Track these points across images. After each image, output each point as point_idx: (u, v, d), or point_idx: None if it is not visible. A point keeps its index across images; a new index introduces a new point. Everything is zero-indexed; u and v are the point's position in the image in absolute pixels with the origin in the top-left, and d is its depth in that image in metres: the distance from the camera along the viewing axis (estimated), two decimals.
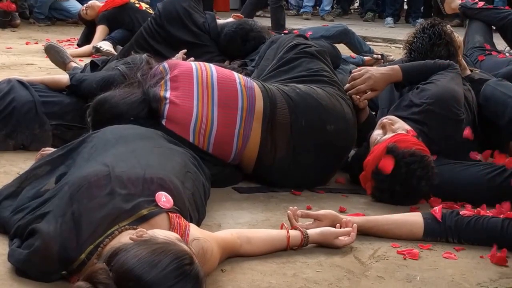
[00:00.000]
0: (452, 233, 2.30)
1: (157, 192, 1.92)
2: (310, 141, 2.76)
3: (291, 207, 2.29)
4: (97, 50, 5.50)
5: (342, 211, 2.56)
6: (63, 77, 3.40)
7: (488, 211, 2.43)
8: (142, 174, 1.97)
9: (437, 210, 2.33)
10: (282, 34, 4.16)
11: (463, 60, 3.39)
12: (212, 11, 7.29)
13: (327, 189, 2.82)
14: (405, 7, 9.90)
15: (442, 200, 2.64)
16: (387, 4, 9.48)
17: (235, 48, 4.10)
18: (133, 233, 1.73)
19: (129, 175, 1.95)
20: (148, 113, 2.66)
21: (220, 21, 4.34)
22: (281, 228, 2.22)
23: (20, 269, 1.86)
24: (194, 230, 1.91)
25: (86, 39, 6.00)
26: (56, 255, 1.80)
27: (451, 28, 3.31)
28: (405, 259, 2.17)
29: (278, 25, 6.47)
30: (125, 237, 1.75)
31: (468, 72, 3.35)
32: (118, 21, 5.81)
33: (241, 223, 2.40)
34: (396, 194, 2.64)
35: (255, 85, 2.79)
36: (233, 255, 2.06)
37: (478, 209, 2.46)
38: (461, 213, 2.33)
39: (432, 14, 8.18)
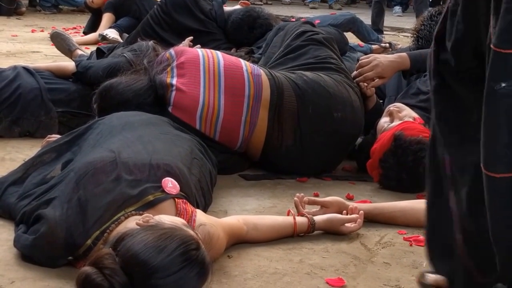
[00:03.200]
0: None
1: (163, 178, 1.92)
2: (317, 128, 2.75)
3: (297, 194, 2.28)
4: (103, 38, 5.49)
5: (349, 198, 2.55)
6: (69, 64, 3.40)
7: None
8: (148, 160, 1.96)
9: None
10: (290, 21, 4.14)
11: None
12: None
13: (334, 176, 2.82)
14: None
15: None
16: None
17: (242, 36, 4.09)
18: (139, 218, 1.73)
19: (135, 161, 1.94)
20: (154, 100, 2.66)
21: (227, 8, 4.32)
22: (288, 215, 2.21)
23: (26, 254, 1.86)
24: (200, 215, 1.90)
25: (92, 27, 6.00)
26: (62, 240, 1.80)
27: None
28: (411, 245, 2.16)
29: None
30: (131, 223, 1.75)
31: None
32: (124, 9, 5.80)
33: (247, 210, 2.39)
34: (403, 181, 2.63)
35: (262, 72, 2.78)
36: (240, 241, 2.06)
37: None
38: None
39: (441, 2, 8.15)
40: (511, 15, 1.25)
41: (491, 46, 1.28)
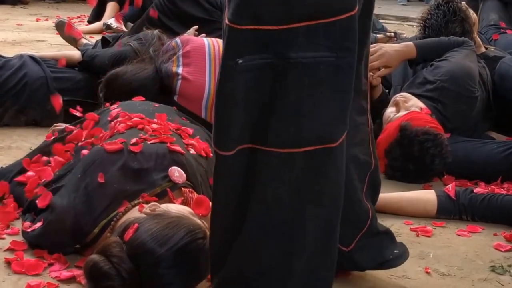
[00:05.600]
0: (466, 210, 2.28)
1: (170, 167, 1.92)
2: None
3: None
4: (108, 27, 5.48)
5: None
6: (74, 53, 3.39)
7: (502, 189, 2.41)
8: (155, 149, 1.96)
9: (451, 188, 2.32)
10: None
11: (478, 37, 3.36)
12: None
13: None
14: None
15: (456, 178, 2.63)
16: None
17: None
18: (146, 207, 1.73)
19: (142, 149, 1.94)
20: (160, 89, 2.66)
21: None
22: None
23: (34, 243, 1.87)
24: None
25: (96, 16, 5.98)
26: (70, 229, 1.80)
27: (466, 5, 3.27)
28: (418, 236, 2.16)
29: None
30: (138, 211, 1.75)
31: (483, 49, 3.31)
32: None
33: None
34: (409, 172, 2.62)
35: None
36: None
37: (492, 186, 2.44)
38: (475, 191, 2.32)
39: None
40: None
41: (227, 22, 1.25)
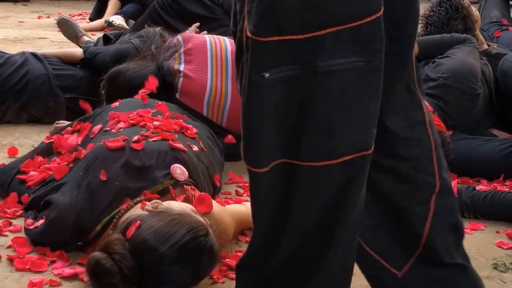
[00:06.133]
0: (468, 208, 2.28)
1: (172, 164, 1.92)
2: None
3: None
4: (109, 24, 5.48)
5: None
6: (76, 50, 3.40)
7: (504, 186, 2.41)
8: (157, 146, 1.96)
9: (453, 185, 2.31)
10: None
11: (480, 35, 3.35)
12: None
13: None
14: None
15: (458, 176, 2.62)
16: None
17: None
18: (148, 204, 1.73)
19: (144, 147, 1.94)
20: (162, 86, 2.66)
21: None
22: None
23: (36, 240, 1.87)
24: None
25: (98, 13, 5.98)
26: (72, 226, 1.80)
27: (468, 2, 3.26)
28: None
29: None
30: (140, 209, 1.75)
31: (485, 46, 3.31)
32: None
33: None
34: None
35: None
36: (248, 228, 2.06)
37: (494, 184, 2.44)
38: (477, 188, 2.32)
39: None
40: (266, 1, 1.18)
41: (249, 35, 1.19)
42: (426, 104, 1.42)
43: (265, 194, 1.26)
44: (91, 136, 2.13)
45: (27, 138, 2.85)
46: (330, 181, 1.24)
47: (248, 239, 2.01)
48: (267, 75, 1.19)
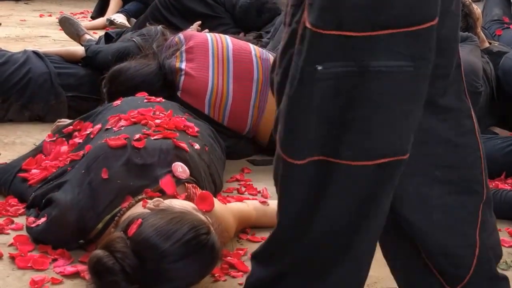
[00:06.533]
0: None
1: (173, 163, 1.92)
2: None
3: None
4: (111, 22, 5.48)
5: None
6: (78, 48, 3.40)
7: (505, 185, 2.41)
8: (158, 145, 1.97)
9: None
10: None
11: (481, 33, 3.35)
12: None
13: None
14: None
15: None
16: None
17: (250, 20, 4.07)
18: (150, 202, 1.73)
19: (145, 145, 1.95)
20: (163, 84, 2.66)
21: None
22: None
23: (38, 238, 1.87)
24: None
25: (100, 11, 5.98)
26: (74, 224, 1.81)
27: (470, 0, 3.26)
28: None
29: None
30: (142, 207, 1.75)
31: (487, 44, 3.31)
32: None
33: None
34: None
35: (271, 57, 2.77)
36: (249, 226, 2.07)
37: (496, 182, 2.44)
38: None
39: None
40: None
41: (308, 26, 1.21)
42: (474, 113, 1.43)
43: (296, 187, 1.27)
44: (91, 136, 2.13)
45: (29, 137, 2.86)
46: (363, 184, 1.25)
47: (249, 237, 2.01)
48: (320, 67, 1.20)
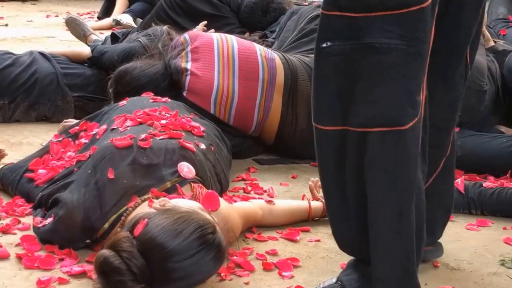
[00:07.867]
0: (475, 204, 2.28)
1: (179, 163, 1.93)
2: None
3: (312, 179, 2.28)
4: (117, 23, 5.49)
5: None
6: (84, 49, 3.41)
7: (511, 183, 2.41)
8: (164, 145, 1.98)
9: (460, 182, 2.32)
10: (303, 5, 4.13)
11: (486, 31, 3.34)
12: None
13: None
14: None
15: (465, 172, 2.62)
16: None
17: (255, 20, 4.08)
18: (156, 202, 1.74)
19: (151, 145, 1.95)
20: (169, 84, 2.67)
21: None
22: (303, 199, 2.22)
23: (44, 238, 1.88)
24: None
25: (106, 12, 6.00)
26: (80, 224, 1.82)
27: None
28: None
29: None
30: (148, 207, 1.76)
31: (492, 43, 3.30)
32: None
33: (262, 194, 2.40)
34: None
35: (276, 56, 2.78)
36: (255, 225, 2.07)
37: (501, 180, 2.44)
38: (484, 185, 2.32)
39: None
40: None
41: (321, 10, 1.45)
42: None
43: (326, 150, 1.49)
44: (97, 137, 2.14)
45: (36, 137, 2.87)
46: (367, 148, 1.42)
47: (255, 236, 2.02)
48: (328, 44, 1.42)
